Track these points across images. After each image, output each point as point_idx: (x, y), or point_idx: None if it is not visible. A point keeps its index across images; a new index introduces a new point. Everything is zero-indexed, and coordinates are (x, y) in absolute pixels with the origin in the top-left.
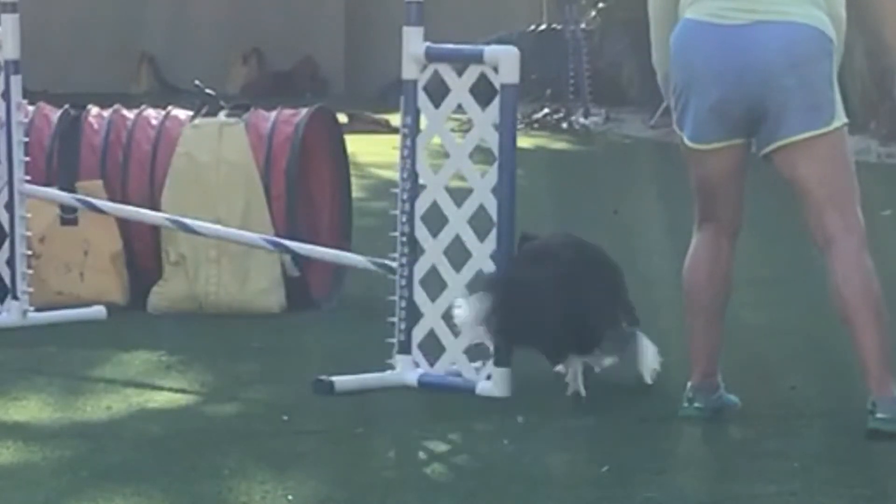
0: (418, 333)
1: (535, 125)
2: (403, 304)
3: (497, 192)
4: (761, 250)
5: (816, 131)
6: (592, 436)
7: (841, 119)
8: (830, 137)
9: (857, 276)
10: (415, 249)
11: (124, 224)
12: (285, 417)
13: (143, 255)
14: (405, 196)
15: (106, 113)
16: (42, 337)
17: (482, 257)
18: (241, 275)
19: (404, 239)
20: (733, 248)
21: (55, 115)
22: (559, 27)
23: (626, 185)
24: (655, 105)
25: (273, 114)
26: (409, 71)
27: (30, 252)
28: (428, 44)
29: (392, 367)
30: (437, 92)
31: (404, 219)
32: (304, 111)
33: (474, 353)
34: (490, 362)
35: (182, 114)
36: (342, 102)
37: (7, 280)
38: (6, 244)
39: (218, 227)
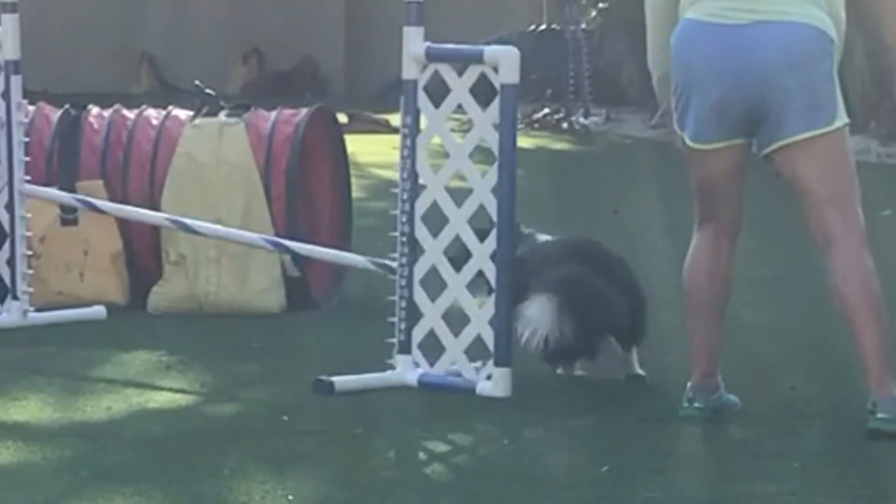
0: (418, 333)
1: (535, 125)
2: (403, 304)
3: (497, 192)
4: (761, 250)
5: (817, 131)
6: (592, 436)
7: (842, 119)
8: (831, 137)
9: (858, 276)
10: (415, 249)
11: (124, 224)
12: (285, 417)
13: (143, 255)
14: (405, 196)
15: (106, 113)
16: (42, 337)
17: (482, 257)
18: (241, 275)
19: (404, 239)
20: (733, 248)
21: (55, 115)
22: (559, 27)
23: (626, 185)
24: (655, 105)
25: (273, 114)
26: (409, 71)
27: (30, 252)
28: (428, 44)
29: (392, 367)
30: (437, 92)
31: (404, 219)
32: (304, 111)
33: (474, 353)
34: (490, 362)
35: (182, 114)
36: (342, 102)
37: (7, 280)
38: (6, 244)
39: (218, 227)
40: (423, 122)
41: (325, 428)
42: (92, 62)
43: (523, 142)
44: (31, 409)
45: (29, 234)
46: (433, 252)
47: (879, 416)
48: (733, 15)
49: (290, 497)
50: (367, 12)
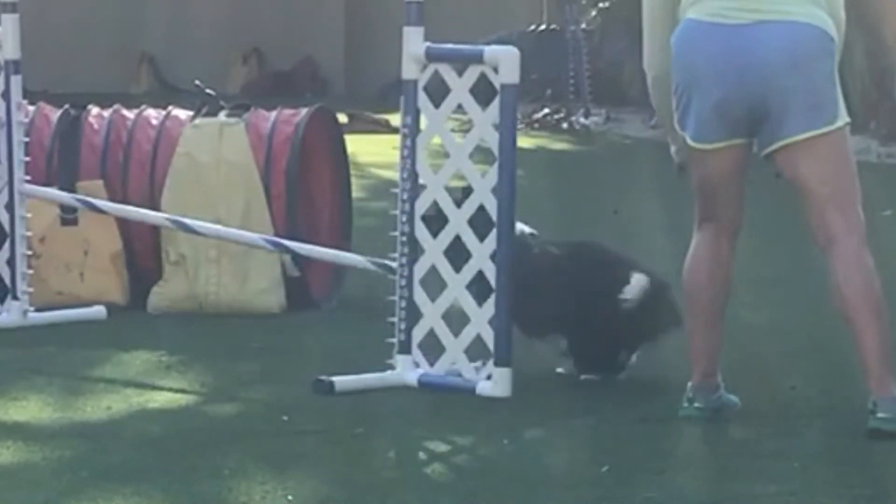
0: (418, 333)
1: (535, 125)
2: (403, 304)
3: (497, 192)
4: (761, 250)
5: (819, 130)
6: (592, 436)
7: (844, 118)
8: (833, 137)
9: (859, 276)
10: (415, 249)
11: (124, 224)
12: (285, 417)
13: (143, 255)
14: (405, 196)
15: (106, 113)
16: (42, 337)
17: (482, 257)
18: (241, 275)
19: (404, 239)
20: (733, 249)
21: (55, 115)
22: (559, 27)
23: (626, 185)
24: None
25: (273, 114)
26: (409, 71)
27: (30, 252)
28: (428, 44)
29: (392, 367)
30: (437, 92)
31: (404, 219)
32: (304, 111)
33: (474, 353)
34: (490, 362)
35: (182, 114)
36: (342, 102)
37: (7, 280)
38: (6, 244)
39: (218, 227)
40: (423, 122)
41: (325, 428)
42: (92, 62)
43: (523, 142)
44: (31, 409)
45: (29, 234)
46: (433, 252)
47: (880, 415)
48: (735, 15)
49: (290, 497)
50: (367, 12)
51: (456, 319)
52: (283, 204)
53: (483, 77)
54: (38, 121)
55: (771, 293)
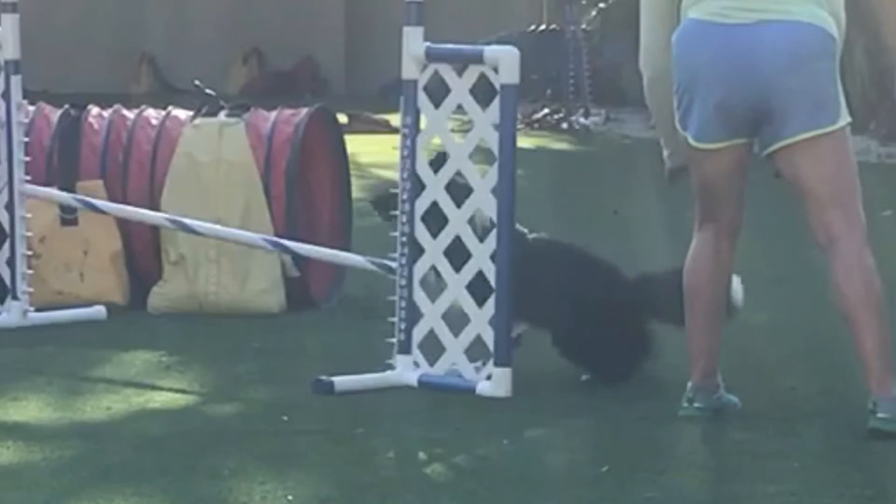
0: (418, 333)
1: (535, 125)
2: (403, 304)
3: (497, 192)
4: (761, 250)
5: (821, 130)
6: (592, 436)
7: (845, 118)
8: (834, 136)
9: (859, 276)
10: (415, 249)
11: (124, 224)
12: (285, 417)
13: (143, 255)
14: (405, 196)
15: (106, 113)
16: (42, 337)
17: (482, 257)
18: (241, 275)
19: (404, 239)
20: (734, 248)
21: (55, 115)
22: (559, 27)
23: (626, 185)
24: None
25: (273, 114)
26: (409, 71)
27: (30, 252)
28: (428, 44)
29: (392, 367)
30: (437, 92)
31: (404, 219)
32: (304, 111)
33: (474, 353)
34: (490, 362)
35: (182, 114)
36: (342, 102)
37: (7, 280)
38: (6, 244)
39: (218, 227)
40: (423, 122)
41: (325, 428)
42: (92, 62)
43: (523, 142)
44: (31, 409)
45: (29, 234)
46: (433, 252)
47: (880, 415)
48: (736, 14)
49: (290, 497)
50: (367, 12)
51: (456, 319)
52: (283, 204)
53: (483, 77)
54: (38, 121)
55: (771, 293)
